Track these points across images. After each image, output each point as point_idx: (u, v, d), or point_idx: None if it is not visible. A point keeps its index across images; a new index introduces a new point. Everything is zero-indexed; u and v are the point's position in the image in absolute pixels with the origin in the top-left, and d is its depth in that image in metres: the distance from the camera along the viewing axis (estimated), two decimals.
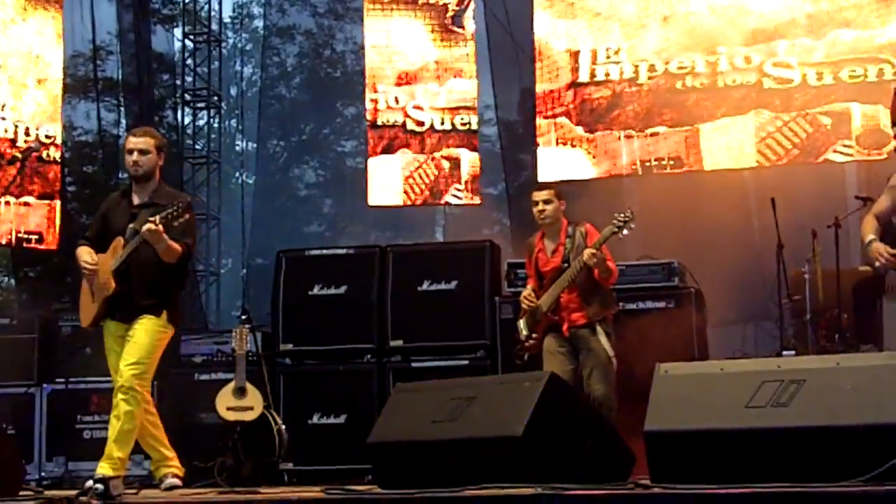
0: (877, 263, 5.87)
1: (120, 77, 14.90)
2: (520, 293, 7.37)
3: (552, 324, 7.01)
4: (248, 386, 7.69)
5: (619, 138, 10.54)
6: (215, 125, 13.96)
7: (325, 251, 9.05)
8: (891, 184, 5.88)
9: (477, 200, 11.86)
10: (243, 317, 8.07)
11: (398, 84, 11.72)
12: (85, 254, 6.21)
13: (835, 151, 9.92)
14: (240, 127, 20.08)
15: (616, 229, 6.88)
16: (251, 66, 21.34)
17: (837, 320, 8.46)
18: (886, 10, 9.93)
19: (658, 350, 7.42)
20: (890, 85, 5.46)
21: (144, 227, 5.91)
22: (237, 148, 20.88)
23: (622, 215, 6.89)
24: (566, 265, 6.97)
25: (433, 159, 11.56)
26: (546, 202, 7.12)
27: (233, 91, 19.58)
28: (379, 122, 11.73)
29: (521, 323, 7.15)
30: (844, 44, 9.89)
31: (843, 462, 3.86)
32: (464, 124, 11.59)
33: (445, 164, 11.56)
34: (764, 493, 3.69)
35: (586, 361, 6.87)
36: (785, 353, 8.21)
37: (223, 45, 14.54)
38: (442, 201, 11.99)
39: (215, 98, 13.70)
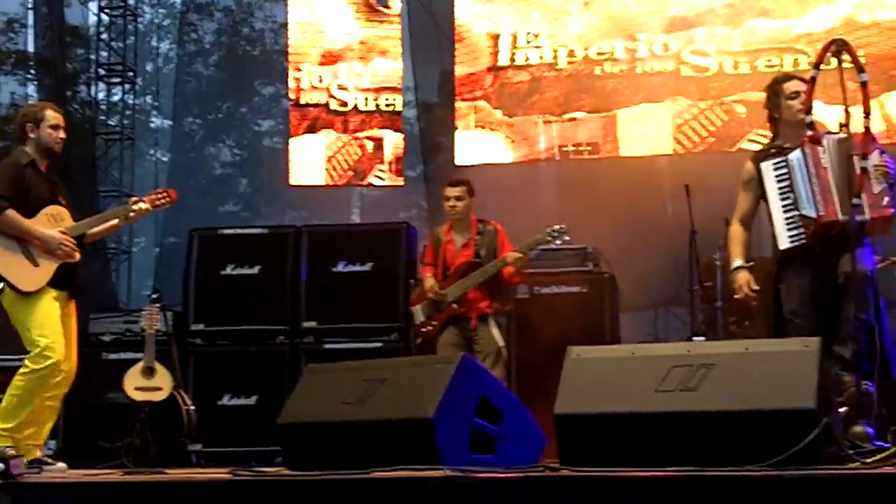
0: (736, 295, 5.97)
1: (33, 50, 14.62)
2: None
3: (455, 315, 7.20)
4: (158, 366, 7.58)
5: (538, 123, 10.56)
6: (130, 101, 13.75)
7: (238, 230, 8.96)
8: (745, 179, 5.92)
9: (400, 182, 11.82)
10: (154, 296, 7.95)
11: (322, 63, 11.63)
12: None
13: (749, 140, 10.03)
14: (155, 104, 19.83)
15: (549, 238, 7.14)
16: (168, 41, 21.05)
17: (748, 307, 8.53)
18: (803, 1, 10.04)
19: (571, 334, 7.49)
20: (806, 75, 5.48)
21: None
22: (152, 125, 20.60)
23: (558, 228, 7.14)
24: (478, 260, 7.13)
25: (356, 140, 11.50)
26: (458, 198, 7.39)
27: (149, 67, 19.28)
28: (302, 102, 11.63)
29: (418, 309, 7.40)
30: (761, 33, 10.00)
31: (749, 446, 3.88)
32: (388, 105, 11.53)
33: (369, 145, 11.50)
34: (671, 477, 3.70)
35: (479, 351, 7.02)
36: (695, 338, 8.27)
37: (140, 19, 14.31)
38: (365, 182, 11.93)
39: (130, 74, 13.48)
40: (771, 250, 5.93)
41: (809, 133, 5.43)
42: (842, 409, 4.56)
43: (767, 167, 5.67)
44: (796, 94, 5.71)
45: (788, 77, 5.95)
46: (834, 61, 5.36)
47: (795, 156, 5.55)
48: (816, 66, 5.39)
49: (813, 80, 5.38)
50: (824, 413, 3.96)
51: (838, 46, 5.37)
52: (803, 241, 5.53)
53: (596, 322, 8.08)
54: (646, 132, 10.35)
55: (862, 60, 5.47)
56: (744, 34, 10.13)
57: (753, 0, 10.18)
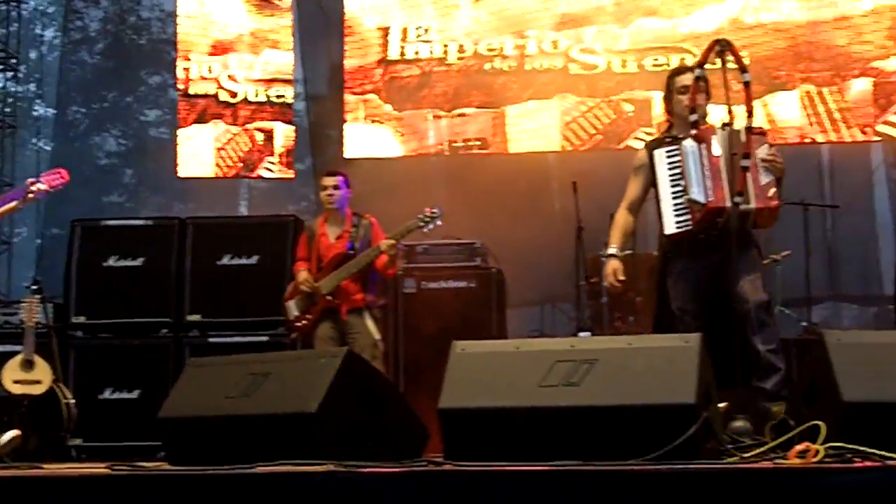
0: (604, 282, 6.02)
1: None
2: None
3: (329, 308, 7.19)
4: (37, 359, 7.41)
5: (428, 118, 10.56)
6: (12, 89, 13.43)
7: (121, 221, 8.82)
8: (636, 165, 5.98)
9: (290, 174, 11.71)
10: (33, 287, 7.78)
11: (211, 54, 11.46)
12: None
13: (636, 138, 10.15)
14: (39, 92, 19.40)
15: (421, 223, 7.13)
16: (53, 29, 20.58)
17: (632, 303, 8.64)
18: (690, 0, 10.19)
19: (457, 329, 7.51)
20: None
21: None
22: (35, 113, 20.12)
23: (430, 211, 7.13)
24: (351, 252, 7.13)
25: (246, 131, 11.36)
26: (336, 188, 7.36)
27: (32, 55, 18.86)
28: (191, 92, 11.45)
29: (291, 304, 7.38)
30: (649, 32, 10.12)
31: (631, 441, 3.91)
32: (278, 97, 11.41)
33: (259, 137, 11.37)
34: (554, 471, 3.71)
35: (354, 345, 7.02)
36: (581, 333, 8.34)
37: (23, 6, 13.96)
38: (254, 174, 11.80)
39: (13, 61, 13.16)
40: (658, 240, 5.98)
41: (693, 132, 5.50)
42: (721, 405, 4.62)
43: (661, 154, 5.72)
44: (685, 88, 5.76)
45: (682, 70, 6.02)
46: (719, 61, 5.44)
47: (689, 142, 5.59)
48: (700, 65, 5.47)
49: (697, 79, 5.45)
50: (704, 408, 4.02)
51: (722, 47, 5.46)
52: (690, 227, 5.58)
53: (482, 317, 8.11)
54: (534, 129, 10.41)
55: (746, 61, 5.58)
56: (632, 33, 10.25)
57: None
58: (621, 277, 5.93)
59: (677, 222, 5.62)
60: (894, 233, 10.37)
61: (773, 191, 5.62)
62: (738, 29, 9.95)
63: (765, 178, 5.59)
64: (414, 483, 3.79)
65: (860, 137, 10.22)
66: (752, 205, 5.56)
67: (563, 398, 4.09)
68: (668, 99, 5.96)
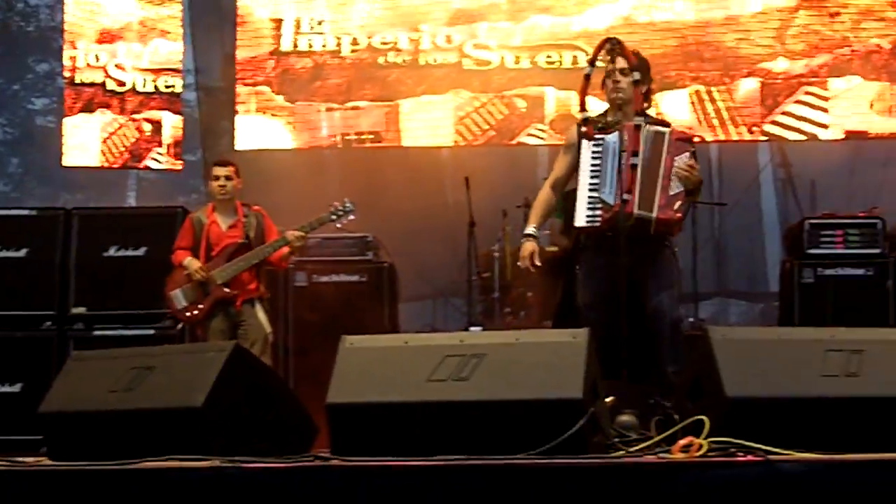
0: (519, 262, 5.93)
1: None
2: None
3: (223, 299, 7.13)
4: None
5: (321, 110, 10.49)
6: None
7: (4, 211, 8.62)
8: (567, 143, 5.94)
9: (179, 165, 11.53)
10: None
11: (99, 42, 11.25)
12: None
13: (528, 134, 10.22)
14: None
15: (333, 217, 7.14)
16: None
17: (523, 298, 8.69)
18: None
19: (350, 323, 7.49)
20: (583, 72, 5.54)
21: None
22: None
23: (342, 207, 7.14)
24: (247, 242, 7.12)
25: (133, 121, 11.17)
26: (227, 178, 7.36)
27: None
28: (77, 81, 11.22)
29: (178, 293, 7.28)
30: (542, 29, 10.17)
31: (519, 435, 3.92)
32: (168, 87, 11.24)
33: (146, 127, 11.18)
34: (440, 466, 3.72)
35: (247, 337, 6.98)
36: (472, 328, 8.38)
37: None
38: (142, 165, 11.61)
39: None
40: (553, 238, 5.95)
41: (583, 129, 5.47)
42: (608, 399, 4.66)
43: (587, 142, 5.61)
44: (621, 71, 5.67)
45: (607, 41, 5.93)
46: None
47: (612, 139, 5.52)
48: (591, 63, 5.47)
49: (587, 77, 5.45)
50: (591, 403, 4.04)
51: (612, 45, 5.48)
52: (597, 224, 5.53)
53: (374, 311, 8.11)
54: (428, 123, 10.40)
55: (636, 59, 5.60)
56: (525, 30, 10.30)
57: None
58: (537, 262, 5.80)
59: (588, 216, 5.55)
60: (780, 231, 10.53)
61: (678, 203, 5.58)
62: (630, 27, 10.05)
63: (675, 189, 5.57)
64: (300, 478, 3.77)
65: (748, 137, 10.39)
66: (654, 214, 5.52)
67: (452, 393, 4.08)
68: (603, 82, 5.86)
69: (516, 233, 8.95)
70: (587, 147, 5.60)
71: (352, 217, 7.35)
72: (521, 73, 10.28)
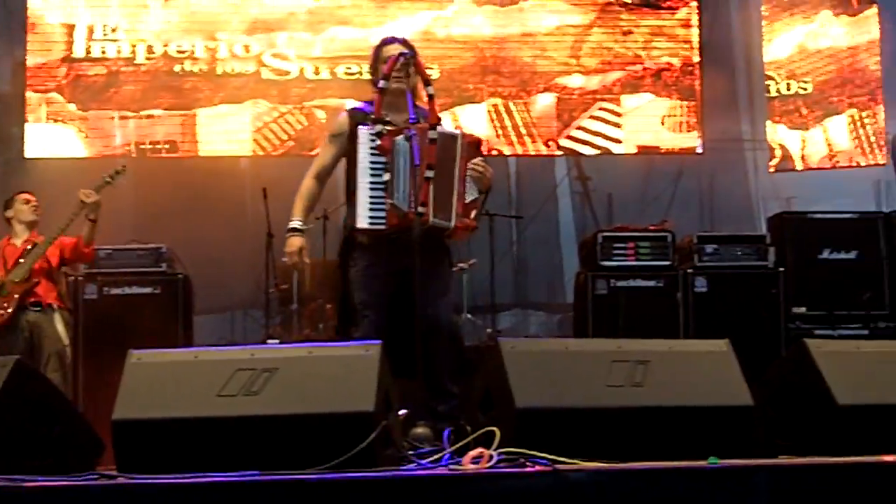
0: (284, 259, 5.75)
1: None
2: None
3: (27, 291, 7.01)
4: None
5: (114, 118, 10.26)
6: None
7: None
8: (334, 132, 5.82)
9: None
10: None
11: None
12: None
13: None
14: None
15: (108, 180, 7.09)
16: None
17: (322, 310, 8.66)
18: (383, 11, 10.32)
19: (142, 336, 7.33)
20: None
21: None
22: None
23: (114, 169, 7.10)
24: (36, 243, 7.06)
25: None
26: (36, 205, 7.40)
27: None
28: None
29: None
30: (341, 41, 10.17)
31: (311, 449, 3.89)
32: None
33: None
34: (229, 482, 3.66)
35: (42, 347, 6.83)
36: (270, 341, 8.31)
37: None
38: None
39: None
40: (342, 226, 5.77)
41: (377, 142, 5.40)
42: (401, 412, 4.66)
43: (365, 134, 5.43)
44: (395, 53, 5.57)
45: (390, 41, 5.84)
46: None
47: (402, 140, 5.37)
48: (385, 77, 5.45)
49: (381, 91, 5.42)
50: (383, 416, 4.04)
51: (406, 60, 5.48)
52: (383, 227, 5.38)
53: (168, 324, 7.96)
54: (226, 133, 10.29)
55: (435, 74, 5.61)
56: (324, 41, 10.30)
57: (334, 8, 10.37)
58: (306, 259, 5.62)
59: (371, 218, 5.36)
60: (576, 243, 10.76)
61: (475, 212, 5.54)
62: (428, 41, 10.13)
63: (470, 195, 5.51)
64: (83, 497, 3.66)
65: (544, 151, 10.60)
66: (452, 223, 5.45)
67: (242, 408, 4.02)
68: (374, 70, 5.78)
69: (315, 245, 8.93)
70: (365, 139, 5.42)
71: (120, 177, 7.41)
72: (320, 84, 10.27)
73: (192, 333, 8.35)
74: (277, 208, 9.04)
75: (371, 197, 5.37)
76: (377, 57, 5.79)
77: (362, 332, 5.46)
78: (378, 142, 5.38)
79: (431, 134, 5.28)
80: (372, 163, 5.41)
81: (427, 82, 5.38)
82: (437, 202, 5.38)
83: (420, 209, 5.28)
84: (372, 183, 5.38)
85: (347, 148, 5.63)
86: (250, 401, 4.04)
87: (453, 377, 5.59)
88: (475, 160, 5.55)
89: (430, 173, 5.26)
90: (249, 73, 10.27)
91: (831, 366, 4.60)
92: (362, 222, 5.40)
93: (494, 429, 4.03)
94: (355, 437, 3.89)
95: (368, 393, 4.00)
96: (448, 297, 5.75)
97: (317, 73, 10.28)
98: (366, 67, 9.94)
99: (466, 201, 5.52)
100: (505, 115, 10.42)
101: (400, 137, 5.38)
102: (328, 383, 4.07)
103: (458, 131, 5.58)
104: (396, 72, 5.50)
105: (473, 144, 5.64)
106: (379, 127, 5.38)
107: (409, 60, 5.47)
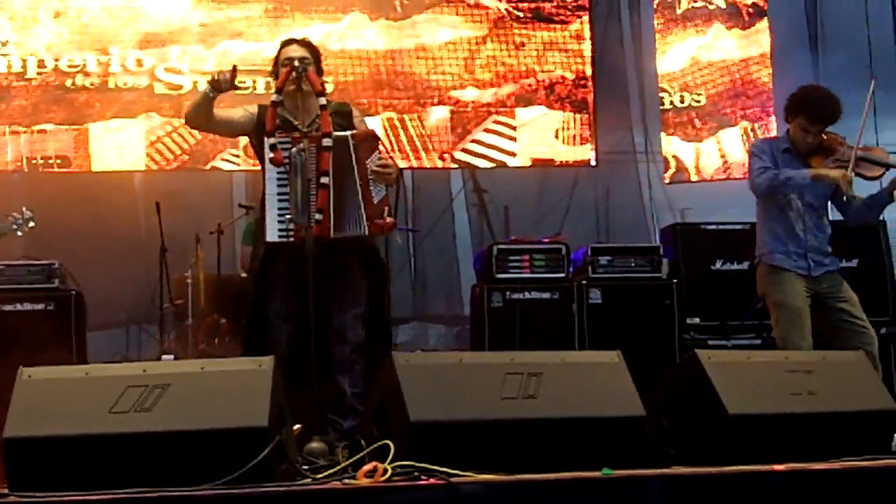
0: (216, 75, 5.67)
1: None
2: None
3: None
4: None
5: (5, 133, 10.10)
6: None
7: None
8: (246, 113, 5.81)
9: None
10: None
11: None
12: None
13: (222, 159, 10.16)
14: None
15: (13, 227, 6.95)
16: None
17: (217, 325, 8.61)
18: (275, 25, 10.30)
19: (35, 354, 7.20)
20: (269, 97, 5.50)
21: None
22: None
23: (20, 215, 6.97)
24: None
25: None
26: None
27: None
28: None
29: None
30: (234, 55, 10.12)
31: (205, 466, 3.88)
32: None
33: None
34: (123, 499, 3.65)
35: None
36: (164, 357, 8.22)
37: None
38: None
39: None
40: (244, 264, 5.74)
41: (271, 155, 5.39)
42: (296, 427, 4.66)
43: (269, 146, 5.35)
44: (289, 60, 5.57)
45: (289, 42, 5.83)
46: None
47: (297, 154, 5.31)
48: (278, 91, 5.47)
49: (274, 104, 5.42)
50: (277, 431, 4.04)
51: (298, 73, 5.49)
52: (291, 239, 5.32)
53: (61, 341, 7.84)
54: (119, 147, 10.18)
55: (330, 87, 5.61)
56: (217, 55, 10.24)
57: (226, 22, 10.32)
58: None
59: (280, 230, 5.31)
60: (473, 256, 10.81)
61: (386, 208, 5.45)
62: (323, 55, 10.08)
63: (378, 194, 5.43)
64: None
65: (440, 164, 10.65)
66: (364, 230, 5.39)
67: (134, 424, 4.00)
68: (274, 73, 5.76)
69: (209, 259, 8.89)
70: (270, 152, 5.36)
71: (32, 224, 7.19)
72: None
73: (86, 350, 8.24)
74: (172, 222, 8.99)
75: (279, 209, 5.34)
76: (277, 59, 5.79)
77: (275, 343, 5.46)
78: (272, 154, 5.36)
79: (326, 141, 5.29)
80: (278, 172, 5.36)
81: (319, 94, 5.40)
82: (342, 211, 5.34)
83: (317, 216, 5.25)
84: (279, 195, 5.35)
85: (246, 128, 5.75)
86: (142, 417, 4.02)
87: (358, 395, 5.55)
88: (373, 157, 5.46)
89: (325, 180, 5.24)
90: (142, 88, 10.17)
91: (722, 376, 4.71)
92: (272, 236, 5.38)
93: (389, 442, 4.06)
94: (249, 452, 3.89)
95: (262, 408, 4.01)
96: (359, 310, 5.67)
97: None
98: (260, 81, 10.03)
99: (375, 202, 5.44)
100: (400, 129, 10.46)
101: (294, 150, 5.34)
102: (221, 399, 4.06)
103: (346, 133, 5.46)
104: (289, 84, 5.51)
105: (367, 140, 5.53)
106: (272, 140, 5.37)
107: (301, 74, 5.48)
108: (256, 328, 5.66)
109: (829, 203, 6.61)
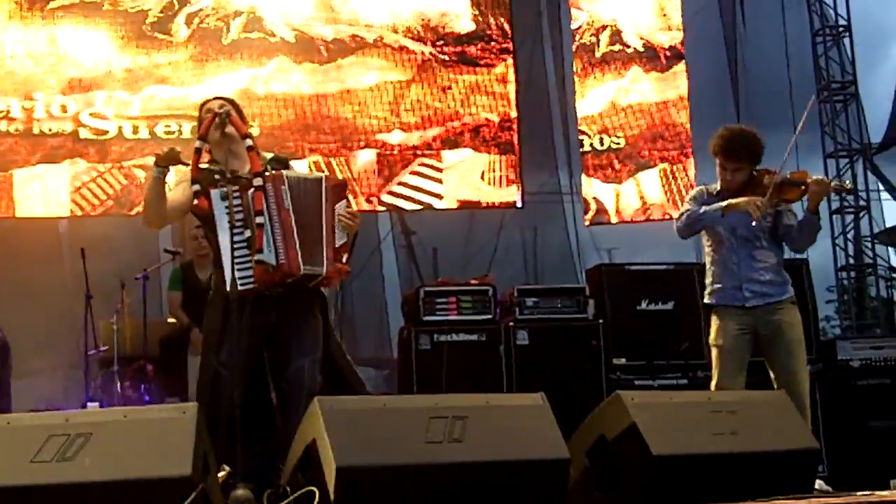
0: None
1: None
2: None
3: None
4: None
5: None
6: None
7: None
8: (183, 178, 5.62)
9: None
10: None
11: None
12: None
13: None
14: None
15: None
16: None
17: (143, 371, 8.54)
18: (201, 70, 10.30)
19: None
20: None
21: None
22: None
23: None
24: None
25: None
26: None
27: None
28: None
29: None
30: (160, 100, 10.10)
31: None
32: None
33: None
34: None
35: None
36: (90, 404, 8.15)
37: None
38: None
39: None
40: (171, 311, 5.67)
41: (195, 202, 5.34)
42: (221, 474, 4.63)
43: (217, 196, 5.19)
44: (209, 111, 5.53)
45: (212, 99, 5.77)
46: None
47: (218, 198, 5.18)
48: (201, 138, 5.44)
49: (198, 150, 5.39)
50: (201, 479, 4.01)
51: (221, 119, 5.48)
52: (253, 286, 5.13)
53: None
54: (43, 193, 10.09)
55: (255, 131, 5.57)
56: (143, 100, 10.22)
57: (151, 67, 10.31)
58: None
59: (241, 279, 5.04)
60: (401, 298, 10.83)
61: (345, 256, 5.42)
62: (248, 99, 10.13)
63: (339, 240, 5.40)
64: None
65: (366, 207, 10.66)
66: (324, 271, 5.30)
67: (56, 475, 3.94)
68: (198, 127, 5.67)
69: (135, 304, 8.83)
70: (218, 200, 5.19)
71: None
72: (139, 143, 10.17)
73: (10, 399, 8.12)
74: (98, 268, 8.93)
75: (235, 256, 5.08)
76: (199, 116, 5.77)
77: (226, 396, 5.28)
78: (195, 202, 5.33)
79: (256, 181, 5.25)
80: (237, 220, 5.17)
81: (245, 136, 5.40)
82: (305, 249, 5.24)
83: (282, 259, 5.18)
84: (236, 243, 5.12)
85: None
86: (64, 467, 3.97)
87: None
88: (341, 204, 5.43)
89: (259, 220, 5.16)
90: (67, 133, 10.11)
91: (646, 417, 4.74)
92: (233, 287, 5.03)
93: (314, 489, 4.05)
94: (173, 501, 3.86)
95: (185, 456, 3.98)
96: (316, 356, 5.52)
97: (135, 132, 10.19)
98: (186, 126, 10.02)
99: (337, 245, 5.40)
100: (326, 172, 10.47)
101: (250, 192, 5.21)
102: (144, 447, 4.02)
103: (320, 174, 5.45)
104: (213, 131, 5.50)
105: (338, 187, 5.52)
106: (195, 187, 5.34)
107: (224, 118, 5.47)
108: (206, 377, 5.51)
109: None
